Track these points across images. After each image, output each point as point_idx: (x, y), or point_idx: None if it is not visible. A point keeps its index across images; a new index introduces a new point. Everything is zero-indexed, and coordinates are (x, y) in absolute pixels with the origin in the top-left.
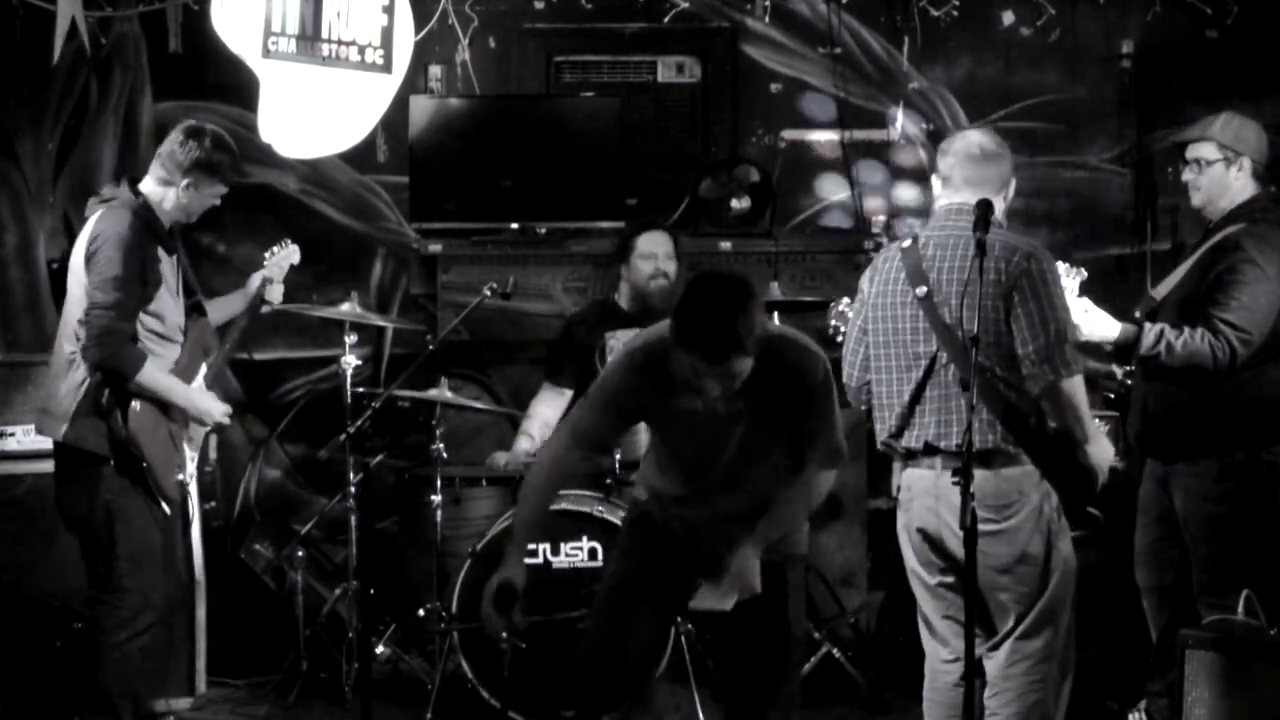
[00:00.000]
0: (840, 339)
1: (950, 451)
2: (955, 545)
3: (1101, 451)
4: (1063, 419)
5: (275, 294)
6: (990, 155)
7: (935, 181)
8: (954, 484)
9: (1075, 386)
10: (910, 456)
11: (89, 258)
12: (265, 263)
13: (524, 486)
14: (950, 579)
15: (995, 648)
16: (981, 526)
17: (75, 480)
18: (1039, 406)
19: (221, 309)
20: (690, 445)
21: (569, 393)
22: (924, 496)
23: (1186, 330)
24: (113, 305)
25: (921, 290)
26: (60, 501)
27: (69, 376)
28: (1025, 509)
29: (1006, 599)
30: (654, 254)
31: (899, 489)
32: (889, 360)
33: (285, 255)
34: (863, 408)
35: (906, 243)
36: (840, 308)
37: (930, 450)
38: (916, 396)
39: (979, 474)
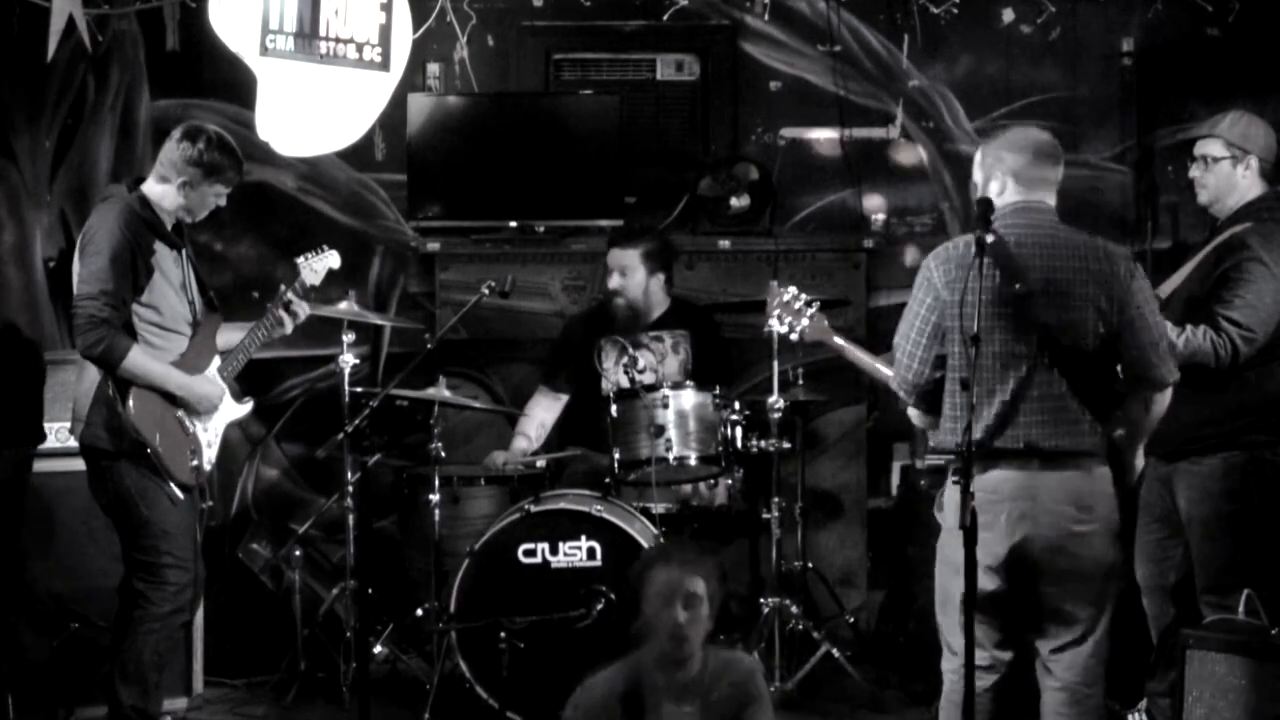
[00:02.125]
0: (782, 329)
1: (1049, 452)
2: (1040, 547)
3: (1140, 458)
4: (1144, 423)
5: (302, 307)
6: (1057, 155)
7: (987, 176)
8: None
9: (1170, 392)
10: (998, 457)
11: (80, 250)
12: (300, 267)
13: None
14: (1006, 585)
15: (1064, 648)
16: (1073, 528)
17: (98, 476)
18: (1112, 408)
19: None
20: None
21: (564, 397)
22: (1018, 499)
23: (1189, 328)
24: (98, 295)
25: (1020, 288)
26: (93, 496)
27: (85, 378)
28: (1106, 510)
29: (1077, 604)
30: (613, 269)
31: (962, 510)
32: (981, 360)
33: (323, 260)
34: (911, 405)
35: (989, 238)
36: (785, 295)
37: (1030, 451)
38: (1019, 396)
39: (1071, 474)
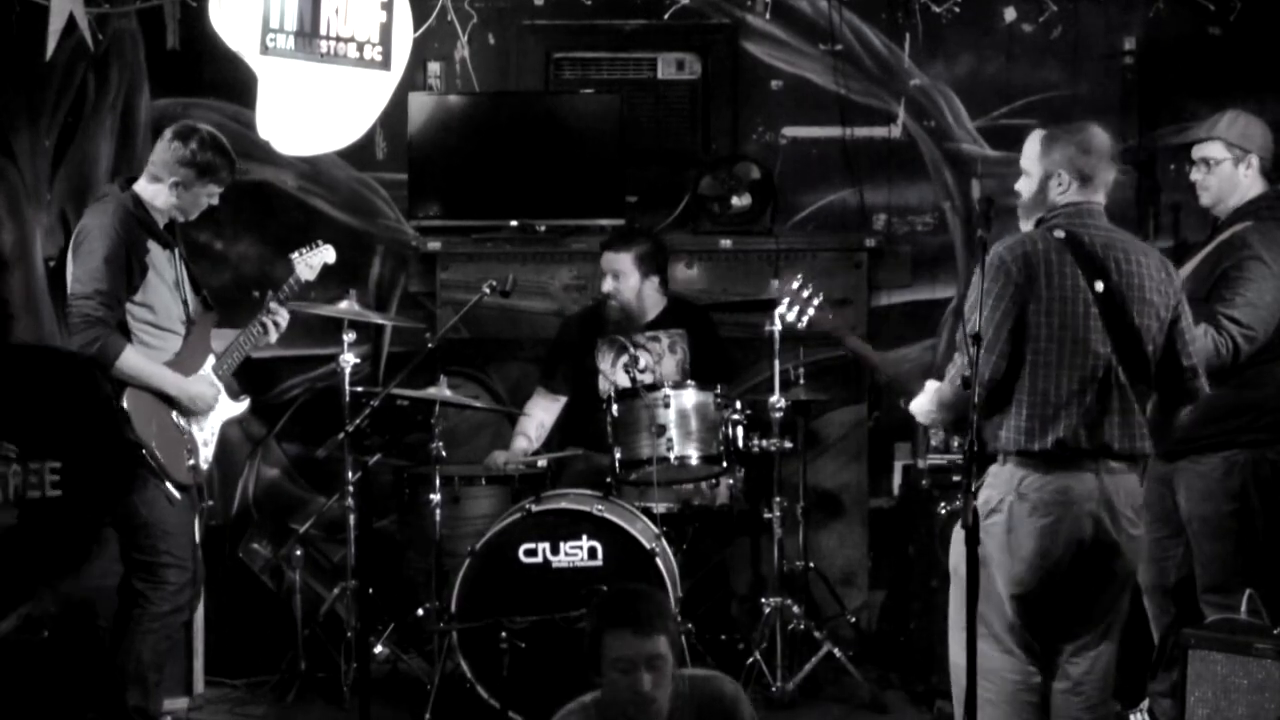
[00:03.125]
0: (789, 319)
1: (1120, 454)
2: (1099, 549)
3: None
4: (1166, 430)
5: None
6: (1118, 158)
7: (1048, 171)
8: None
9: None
10: (1077, 458)
11: (73, 249)
12: (295, 262)
13: None
14: (1054, 584)
15: (1087, 650)
16: (1130, 530)
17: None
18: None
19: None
20: None
21: (563, 398)
22: (1086, 502)
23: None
24: (91, 294)
25: (1100, 286)
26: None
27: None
28: (1145, 516)
29: (1109, 606)
30: (606, 272)
31: (1018, 494)
32: (1063, 359)
33: (318, 255)
34: (975, 400)
35: (1060, 234)
36: (793, 285)
37: (1104, 452)
38: (1100, 398)
39: (1133, 477)
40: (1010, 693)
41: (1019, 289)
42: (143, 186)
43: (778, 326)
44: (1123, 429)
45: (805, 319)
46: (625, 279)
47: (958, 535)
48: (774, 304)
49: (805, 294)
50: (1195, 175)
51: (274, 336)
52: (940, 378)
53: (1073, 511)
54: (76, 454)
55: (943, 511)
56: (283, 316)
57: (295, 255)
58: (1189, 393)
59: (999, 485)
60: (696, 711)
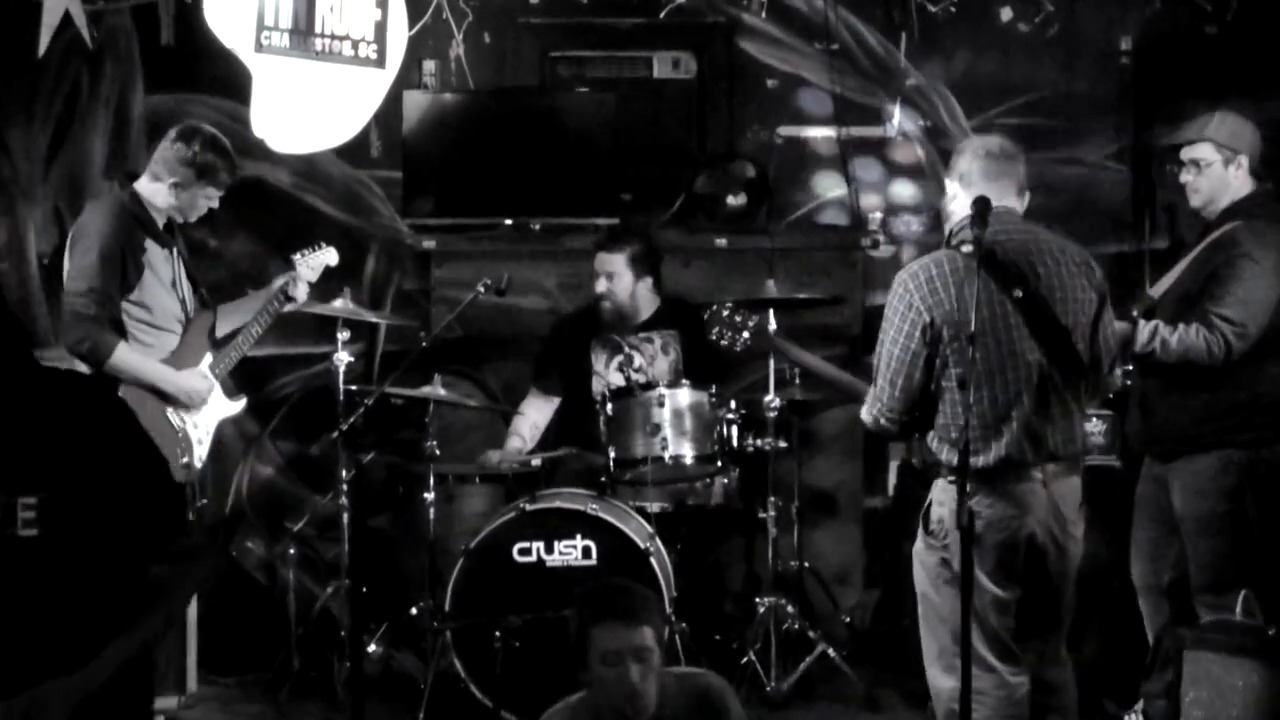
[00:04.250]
0: (723, 344)
1: (1065, 458)
2: (1052, 554)
3: None
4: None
5: (300, 292)
6: (1014, 155)
7: (955, 183)
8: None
9: None
10: (1015, 472)
11: (70, 246)
12: (297, 263)
13: None
14: (1019, 592)
15: (1055, 653)
16: (1074, 532)
17: None
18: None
19: (233, 314)
20: None
21: (556, 399)
22: (1038, 512)
23: (1181, 326)
24: (85, 292)
25: (1019, 293)
26: None
27: None
28: (1084, 512)
29: (1065, 606)
30: (599, 274)
31: (959, 510)
32: (994, 373)
33: (320, 257)
34: (893, 429)
35: (967, 248)
36: (723, 311)
37: (1050, 458)
38: (1038, 405)
39: (1075, 479)
40: (997, 707)
41: (922, 319)
42: (143, 185)
43: (773, 325)
44: (1064, 434)
45: (739, 345)
46: (618, 280)
47: (923, 557)
48: (770, 303)
49: (737, 319)
50: (1185, 177)
51: (302, 296)
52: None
53: (1027, 524)
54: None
55: None
56: (301, 292)
57: (297, 256)
58: (1099, 387)
59: (948, 502)
60: (684, 707)
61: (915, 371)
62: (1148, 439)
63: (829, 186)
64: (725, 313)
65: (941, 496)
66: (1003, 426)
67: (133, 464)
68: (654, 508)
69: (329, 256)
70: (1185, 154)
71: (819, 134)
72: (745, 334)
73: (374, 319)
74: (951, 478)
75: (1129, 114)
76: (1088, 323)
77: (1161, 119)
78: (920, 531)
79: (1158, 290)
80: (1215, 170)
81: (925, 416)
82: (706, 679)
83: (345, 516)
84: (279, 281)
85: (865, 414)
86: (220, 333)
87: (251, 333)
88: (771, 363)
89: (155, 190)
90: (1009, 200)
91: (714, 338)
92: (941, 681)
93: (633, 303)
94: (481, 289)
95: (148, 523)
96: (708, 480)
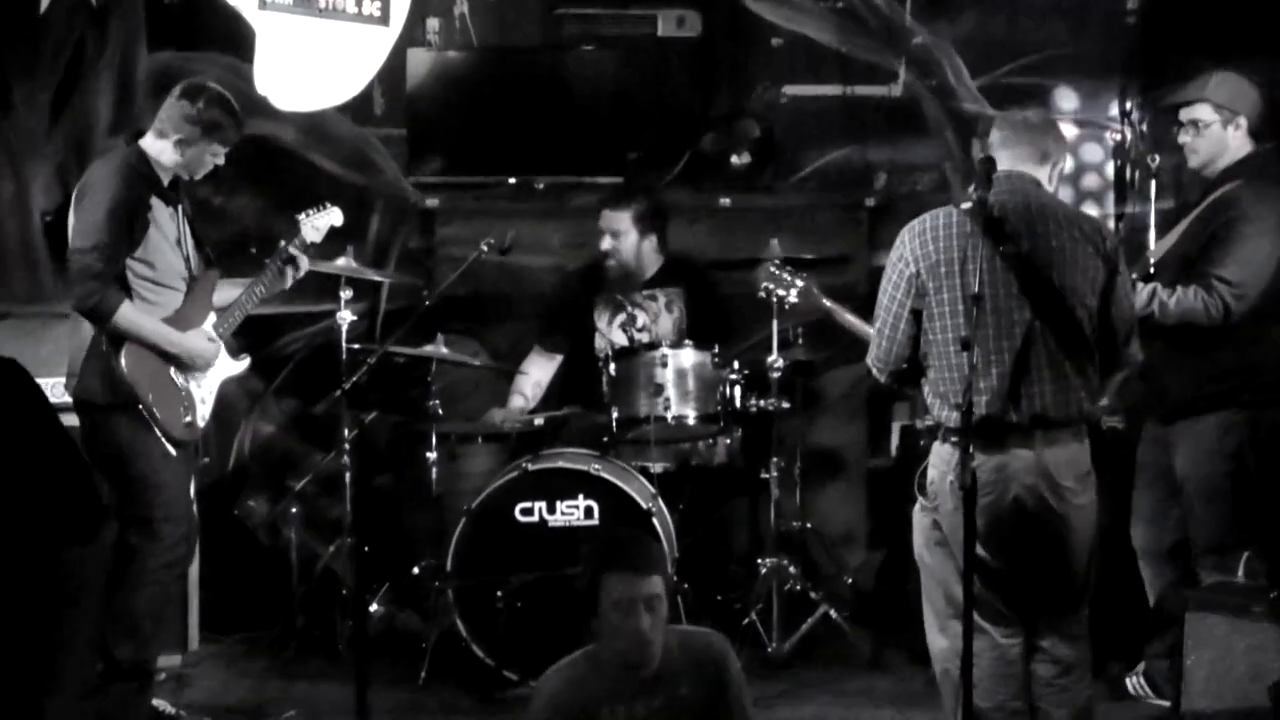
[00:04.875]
0: (773, 301)
1: (1054, 421)
2: (1044, 521)
3: None
4: (1113, 388)
5: (302, 261)
6: (1044, 127)
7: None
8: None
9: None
10: (1005, 433)
11: (75, 203)
12: (301, 223)
13: None
14: (1013, 559)
15: (1059, 619)
16: (1073, 500)
17: (91, 431)
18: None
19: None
20: None
21: (559, 357)
22: (1023, 476)
23: (1179, 289)
24: (90, 248)
25: (1008, 249)
26: (86, 450)
27: (79, 333)
28: (1093, 482)
29: (1072, 574)
30: (604, 231)
31: (962, 470)
32: (985, 329)
33: (325, 217)
34: (892, 386)
35: (965, 205)
36: (770, 267)
37: (1037, 423)
38: (1020, 365)
39: (1072, 445)
40: (988, 668)
41: (913, 271)
42: (149, 142)
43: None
44: (1056, 395)
45: (786, 303)
46: (624, 237)
47: (918, 520)
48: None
49: (786, 277)
50: (1184, 138)
51: (289, 281)
52: None
53: (1011, 488)
54: None
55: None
56: (301, 263)
57: (302, 216)
58: (1117, 360)
59: (939, 464)
60: (686, 663)
61: (900, 322)
62: (1149, 402)
63: (835, 146)
64: (774, 269)
65: (935, 459)
66: (983, 384)
67: (39, 446)
68: (657, 468)
69: (334, 217)
70: (1184, 114)
71: (825, 93)
72: (793, 291)
73: (377, 277)
74: (946, 440)
75: (1135, 73)
76: (1091, 291)
77: (1168, 79)
78: (918, 493)
79: (1158, 252)
80: (1214, 131)
81: (914, 369)
82: (708, 638)
83: (348, 475)
84: (279, 255)
85: (867, 360)
86: (219, 302)
87: (255, 292)
88: (775, 323)
89: (161, 147)
90: (1026, 166)
91: (763, 293)
92: (937, 641)
93: (637, 260)
94: (485, 248)
95: (58, 507)
96: (710, 440)
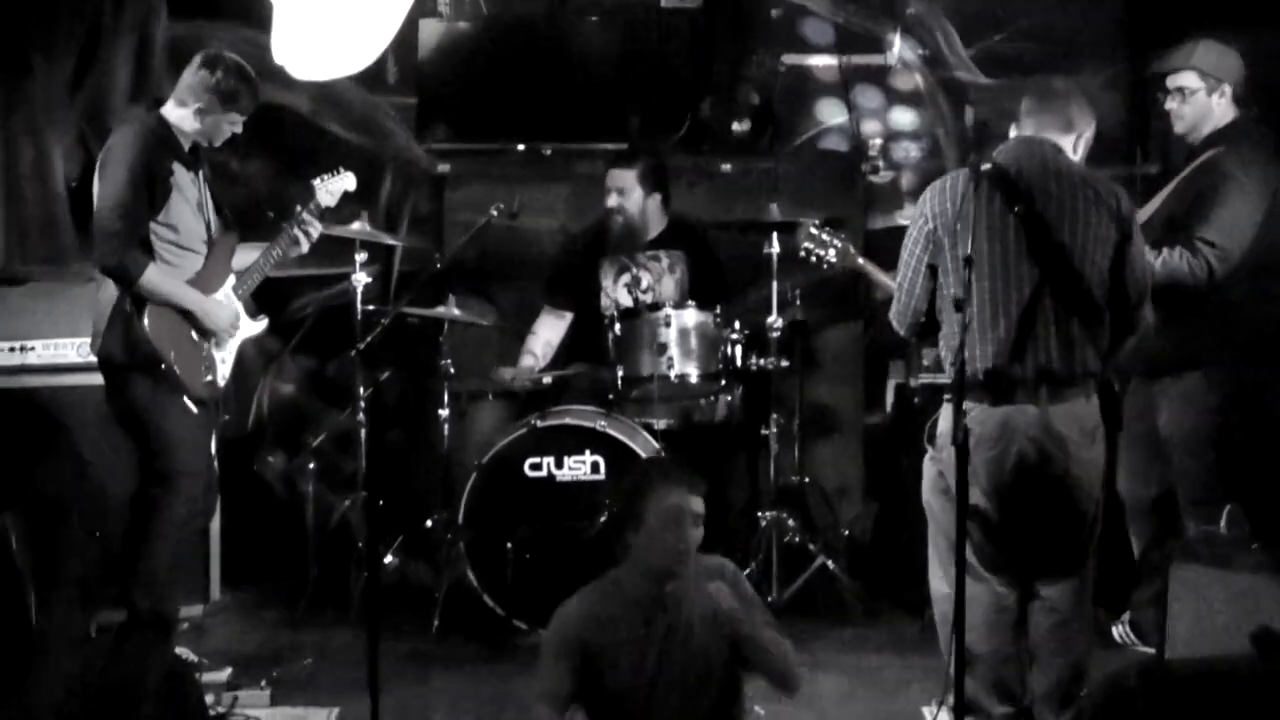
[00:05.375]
0: (814, 260)
1: (1058, 377)
2: (1046, 475)
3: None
4: (1126, 349)
5: (315, 227)
6: (1066, 95)
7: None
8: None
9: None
10: (1010, 389)
11: (100, 168)
12: (315, 188)
13: None
14: (1013, 512)
15: (1059, 571)
16: (1079, 454)
17: (113, 389)
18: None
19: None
20: (638, 686)
21: (568, 315)
22: (1027, 429)
23: (1165, 250)
24: (113, 209)
25: (1020, 209)
26: (109, 407)
27: (103, 294)
28: (1101, 437)
29: (1074, 527)
30: (610, 189)
31: (955, 427)
32: (990, 284)
33: (339, 182)
34: (912, 339)
35: (985, 165)
36: (811, 229)
37: (1041, 378)
38: (1026, 320)
39: (1079, 401)
40: (984, 615)
41: (930, 227)
42: (169, 110)
43: (776, 248)
44: (1061, 350)
45: (826, 262)
46: (629, 195)
47: (927, 469)
48: (773, 226)
49: (825, 237)
50: (1170, 104)
51: (305, 247)
52: None
53: (1016, 441)
54: None
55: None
56: (315, 227)
57: (317, 181)
58: (1130, 323)
59: (946, 418)
60: (707, 578)
61: (919, 277)
62: (1135, 359)
63: (831, 113)
64: (814, 230)
65: (944, 411)
66: (989, 336)
67: None
68: (660, 424)
69: (347, 181)
70: (1170, 81)
71: (821, 62)
72: (831, 250)
73: (390, 241)
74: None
75: (1123, 41)
76: (1103, 252)
77: (1156, 46)
78: (926, 444)
79: (1144, 214)
80: (1199, 98)
81: (933, 324)
82: (721, 563)
83: (362, 432)
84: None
85: (889, 315)
86: (237, 266)
87: (272, 255)
88: (774, 284)
89: (181, 115)
90: (1050, 133)
91: (803, 254)
92: (939, 587)
93: (642, 218)
94: (494, 212)
95: None
96: (712, 398)
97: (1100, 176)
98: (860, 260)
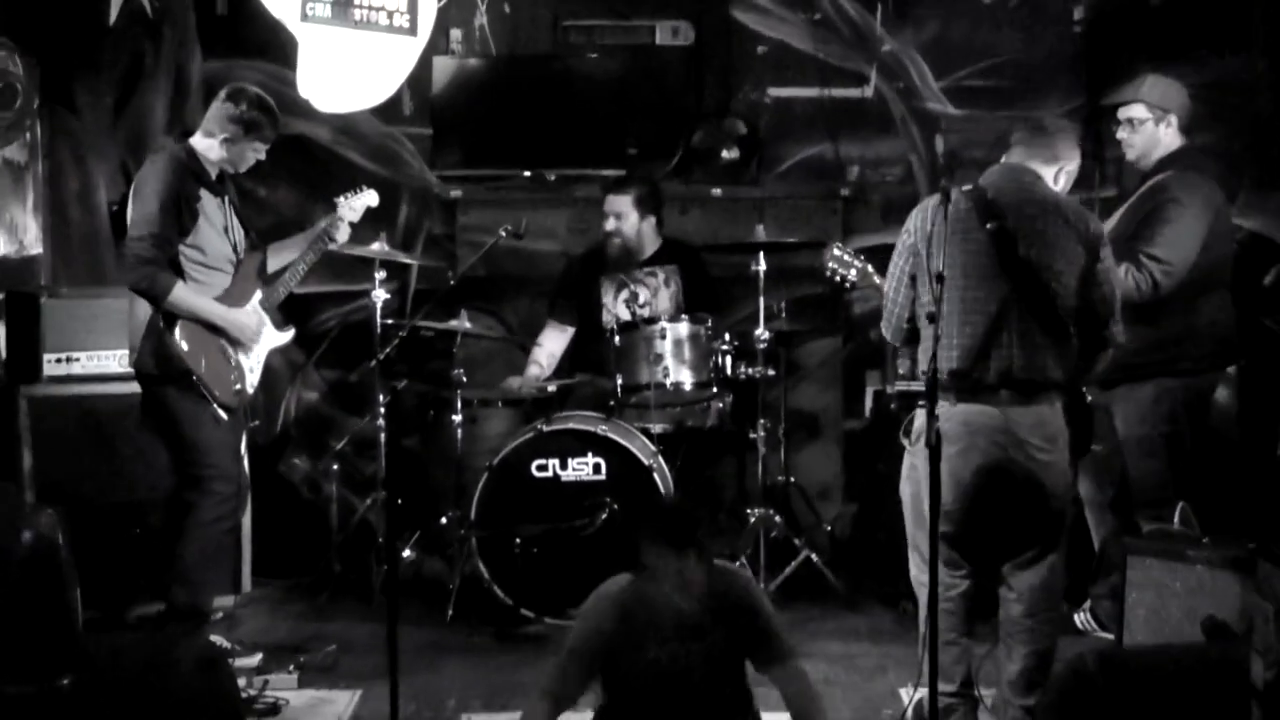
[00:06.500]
0: (838, 279)
1: (1020, 383)
2: (1008, 474)
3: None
4: (1099, 365)
5: (342, 233)
6: (1053, 130)
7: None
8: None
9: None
10: (974, 391)
11: (132, 196)
12: (340, 205)
13: None
14: (975, 506)
15: (1026, 566)
16: (1039, 457)
17: (148, 399)
18: (1081, 352)
19: (282, 252)
20: (650, 698)
21: (570, 329)
22: (990, 433)
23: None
24: (145, 236)
25: (992, 226)
26: (144, 416)
27: (138, 311)
28: (1065, 442)
29: (1039, 525)
30: (608, 214)
31: (928, 430)
32: (955, 295)
33: (362, 198)
34: (900, 345)
35: (966, 186)
36: (835, 250)
37: (1003, 382)
38: (993, 329)
39: (1041, 407)
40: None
41: (912, 242)
42: (197, 140)
43: (762, 266)
44: (1025, 359)
45: (849, 281)
46: (626, 219)
47: (905, 463)
48: (759, 246)
49: (847, 258)
50: (1121, 134)
51: (342, 237)
52: None
53: (976, 441)
54: None
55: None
56: (344, 232)
57: (340, 199)
58: (1101, 339)
59: (919, 416)
60: (717, 604)
61: (902, 286)
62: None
63: (813, 142)
64: (837, 251)
65: (919, 410)
66: (955, 343)
67: None
68: (656, 428)
69: (369, 198)
70: (1121, 113)
71: (804, 94)
72: (854, 271)
73: (406, 260)
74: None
75: (1082, 76)
76: (1069, 271)
77: (1111, 81)
78: (903, 439)
79: None
80: (1147, 128)
81: (917, 331)
82: (730, 576)
83: (381, 436)
84: (323, 223)
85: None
86: (271, 269)
87: (298, 270)
88: (761, 299)
89: (208, 145)
90: (1033, 163)
91: (828, 273)
92: (912, 570)
93: (638, 240)
94: (503, 234)
95: None
96: (704, 404)
97: (1072, 202)
98: (878, 280)
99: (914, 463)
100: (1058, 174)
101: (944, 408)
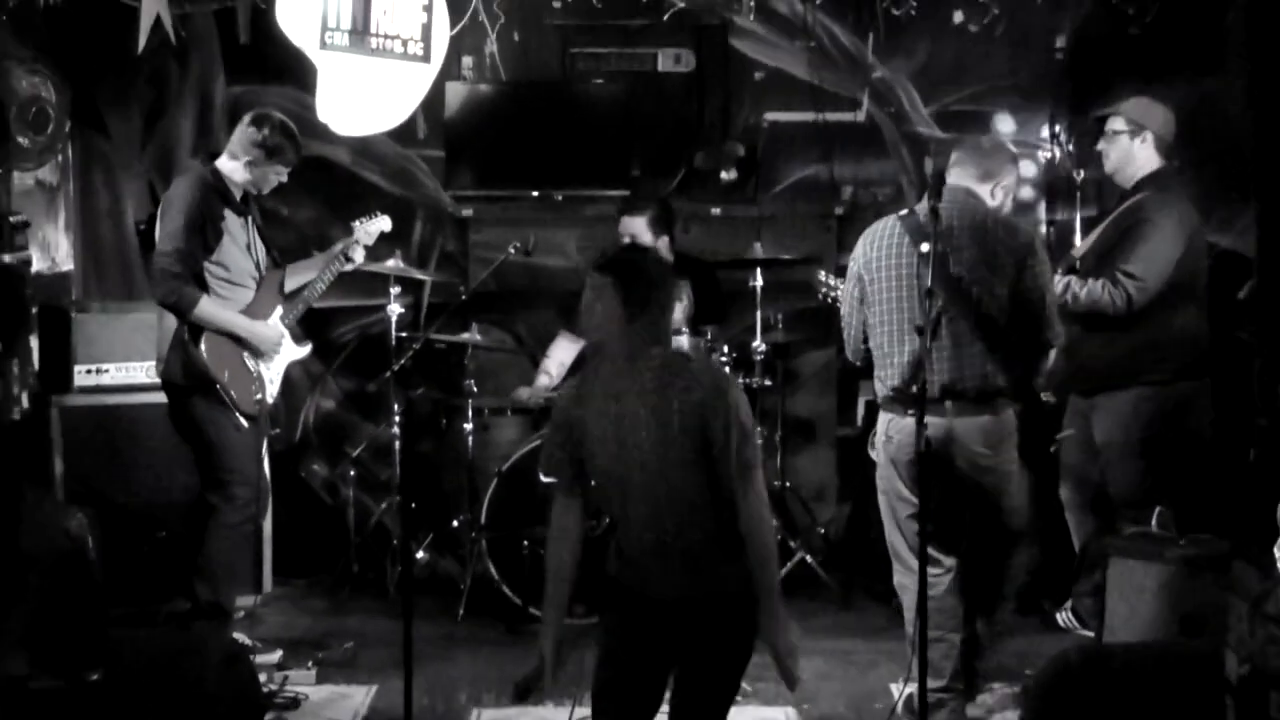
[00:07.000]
0: (830, 301)
1: (961, 394)
2: (968, 479)
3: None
4: (1045, 365)
5: (358, 254)
6: (990, 150)
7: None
8: (917, 422)
9: (1055, 352)
10: (917, 405)
11: (160, 214)
12: (355, 229)
13: (548, 567)
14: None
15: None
16: (981, 464)
17: (174, 407)
18: (1023, 356)
19: (302, 271)
20: (618, 461)
21: (582, 341)
22: (936, 444)
23: (1090, 281)
24: (171, 252)
25: (925, 248)
26: (171, 423)
27: (165, 324)
28: (1010, 447)
29: (1003, 515)
30: (624, 235)
31: (887, 436)
32: (896, 314)
33: (376, 223)
34: (859, 364)
35: (903, 212)
36: (820, 276)
37: (946, 394)
38: (934, 344)
39: (985, 418)
40: (913, 600)
41: (858, 271)
42: (222, 162)
43: (759, 281)
44: (962, 370)
45: (835, 296)
46: (640, 239)
47: (877, 478)
48: (757, 262)
49: (832, 280)
50: (1100, 144)
51: (360, 257)
52: None
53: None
54: None
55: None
56: (359, 254)
57: (356, 223)
58: (1039, 343)
59: (878, 428)
60: (690, 367)
61: (853, 312)
62: (1071, 378)
63: (808, 163)
64: (822, 276)
65: (879, 421)
66: (895, 358)
67: None
68: None
69: (383, 223)
70: (1107, 125)
71: (800, 119)
72: (838, 292)
73: (421, 276)
74: (881, 408)
75: (1064, 101)
76: (999, 281)
77: (1092, 106)
78: (869, 451)
79: (1081, 250)
80: (1122, 141)
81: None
82: (718, 370)
83: (397, 443)
84: (339, 245)
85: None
86: (289, 288)
87: (317, 288)
88: (759, 312)
89: (233, 167)
90: (967, 181)
91: (820, 295)
92: (901, 578)
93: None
94: (512, 250)
95: None
96: None
97: (1004, 217)
98: None
99: (883, 473)
100: (994, 189)
101: (894, 419)
